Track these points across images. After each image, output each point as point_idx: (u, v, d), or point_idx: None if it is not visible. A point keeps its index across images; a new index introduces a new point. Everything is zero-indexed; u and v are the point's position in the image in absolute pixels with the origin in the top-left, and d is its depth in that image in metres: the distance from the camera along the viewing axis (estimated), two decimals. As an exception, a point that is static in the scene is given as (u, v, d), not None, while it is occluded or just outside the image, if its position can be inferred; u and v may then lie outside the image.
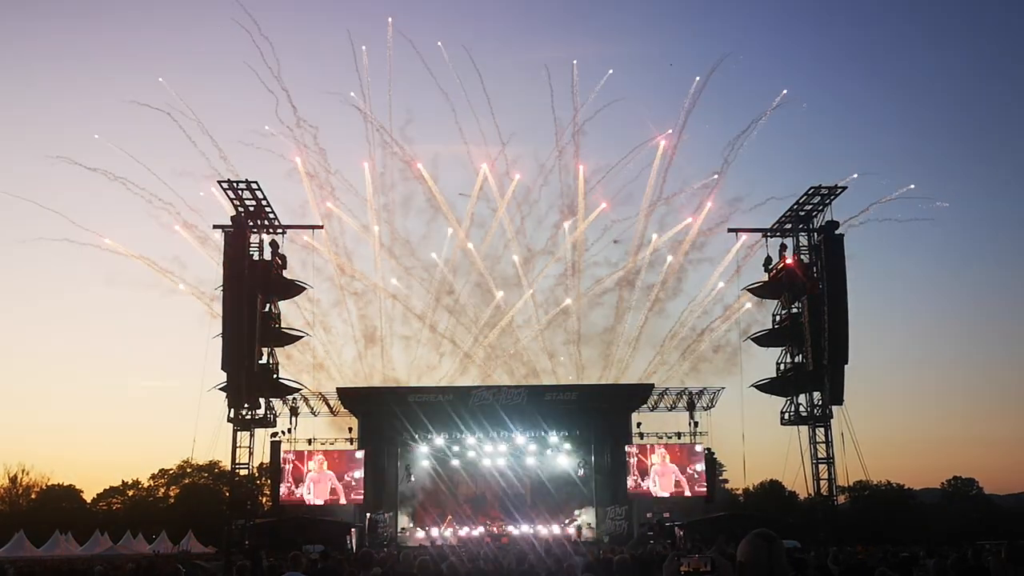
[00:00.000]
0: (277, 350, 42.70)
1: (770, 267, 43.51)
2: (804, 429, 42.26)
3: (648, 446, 45.92)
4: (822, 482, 41.76)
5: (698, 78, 49.85)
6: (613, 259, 53.75)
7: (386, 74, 65.07)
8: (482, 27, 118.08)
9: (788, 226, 43.15)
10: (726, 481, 67.11)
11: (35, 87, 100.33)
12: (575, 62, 50.08)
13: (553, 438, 48.34)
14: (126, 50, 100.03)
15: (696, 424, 46.73)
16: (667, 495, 45.30)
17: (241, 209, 40.35)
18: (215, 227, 41.57)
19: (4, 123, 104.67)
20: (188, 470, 70.19)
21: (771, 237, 43.83)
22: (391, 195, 51.34)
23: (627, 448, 45.62)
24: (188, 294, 44.26)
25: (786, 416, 43.00)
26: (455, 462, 50.80)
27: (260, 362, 40.63)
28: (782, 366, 43.50)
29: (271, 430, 43.25)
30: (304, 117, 48.50)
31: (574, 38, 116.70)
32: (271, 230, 41.98)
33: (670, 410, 47.57)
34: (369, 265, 51.75)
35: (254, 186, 39.55)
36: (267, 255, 41.48)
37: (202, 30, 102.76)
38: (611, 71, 53.38)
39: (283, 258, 42.16)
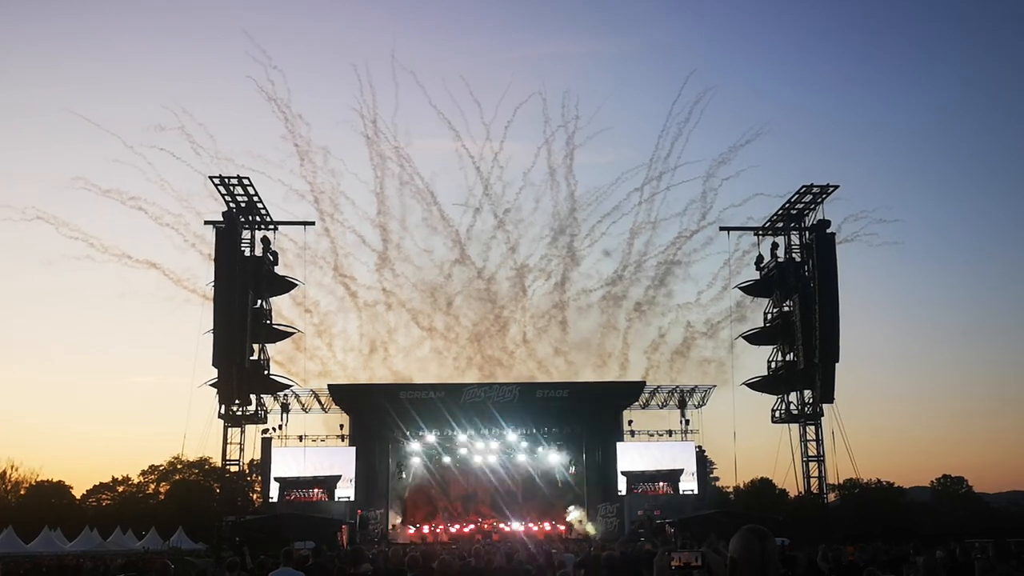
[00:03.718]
0: (277, 348, 42.77)
1: (761, 265, 43.66)
2: (795, 427, 42.43)
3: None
4: (812, 480, 41.94)
5: (676, 98, 51.52)
6: (605, 271, 55.35)
7: (389, 97, 68.49)
8: (480, 42, 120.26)
9: (780, 225, 43.31)
10: (717, 479, 67.34)
11: (57, 110, 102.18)
12: (566, 91, 51.53)
13: (544, 435, 48.33)
14: (144, 79, 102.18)
15: (687, 422, 46.84)
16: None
17: (232, 205, 40.22)
18: (207, 223, 41.47)
19: (29, 145, 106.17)
20: (178, 466, 69.94)
21: (763, 236, 44.02)
22: (394, 210, 52.15)
23: (618, 445, 45.70)
24: (191, 293, 44.27)
25: (777, 414, 43.13)
26: (446, 459, 50.71)
27: (251, 358, 40.53)
28: (773, 364, 43.64)
29: (262, 426, 43.15)
30: (313, 140, 50.16)
31: (576, 37, 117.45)
32: (263, 226, 41.89)
33: (661, 408, 47.63)
34: (372, 274, 52.37)
35: (246, 181, 39.43)
36: (259, 251, 41.43)
37: (217, 61, 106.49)
38: (606, 99, 55.15)
39: (275, 254, 42.05)
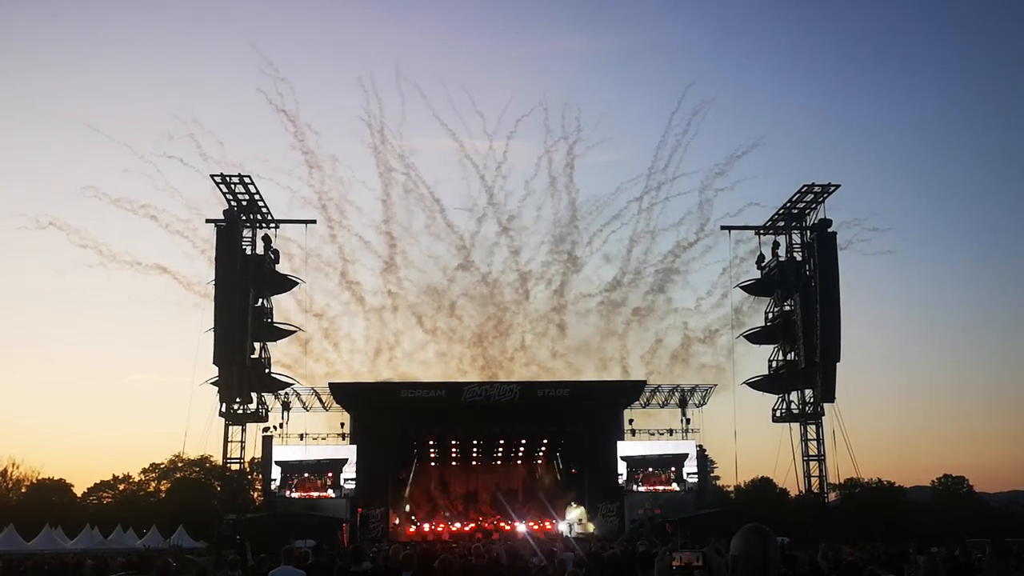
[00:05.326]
0: (283, 350, 42.94)
1: (763, 264, 43.66)
2: (796, 426, 42.44)
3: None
4: (813, 479, 41.95)
5: (675, 110, 52.30)
6: (605, 277, 55.56)
7: (395, 107, 77.48)
8: (480, 41, 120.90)
9: (781, 224, 43.30)
10: (718, 478, 67.39)
11: (68, 121, 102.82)
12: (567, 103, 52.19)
13: (545, 434, 48.26)
14: (154, 88, 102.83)
15: (688, 421, 46.80)
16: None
17: (234, 204, 40.23)
18: (208, 221, 41.50)
19: (42, 154, 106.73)
20: (179, 464, 69.98)
21: (764, 235, 44.02)
22: (400, 217, 52.57)
23: (619, 444, 45.70)
24: (201, 298, 44.44)
25: (778, 413, 43.14)
26: (447, 458, 50.75)
27: (252, 356, 40.54)
28: (774, 363, 43.62)
29: (263, 425, 43.15)
30: (321, 147, 50.51)
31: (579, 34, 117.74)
32: (264, 224, 41.90)
33: (662, 407, 47.61)
34: (377, 278, 52.67)
35: (247, 180, 39.46)
36: (260, 250, 41.46)
37: (226, 70, 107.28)
38: (607, 102, 56.26)
39: (276, 253, 42.08)
